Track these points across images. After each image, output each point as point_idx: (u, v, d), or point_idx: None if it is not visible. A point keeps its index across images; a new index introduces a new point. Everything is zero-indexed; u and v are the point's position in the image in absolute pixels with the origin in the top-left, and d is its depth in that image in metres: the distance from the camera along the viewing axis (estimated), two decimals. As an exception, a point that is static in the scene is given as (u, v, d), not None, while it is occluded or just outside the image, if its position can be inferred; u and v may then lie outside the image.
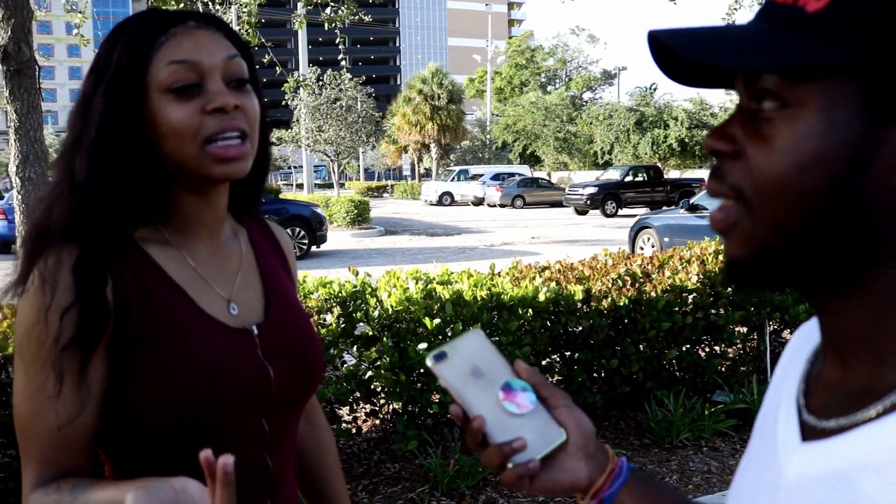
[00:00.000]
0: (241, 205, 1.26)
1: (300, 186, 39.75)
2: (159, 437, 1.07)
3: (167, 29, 1.08)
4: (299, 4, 6.24)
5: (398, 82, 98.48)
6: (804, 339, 0.76)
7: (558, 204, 33.65)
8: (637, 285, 4.69)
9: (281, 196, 16.56)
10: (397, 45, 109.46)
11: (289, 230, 15.15)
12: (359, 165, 64.46)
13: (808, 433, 0.62)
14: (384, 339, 4.00)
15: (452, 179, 39.25)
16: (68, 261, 1.03)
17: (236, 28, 6.04)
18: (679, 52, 0.57)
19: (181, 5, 5.38)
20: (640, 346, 4.58)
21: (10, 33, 3.42)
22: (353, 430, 4.31)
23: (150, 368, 1.05)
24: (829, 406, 0.62)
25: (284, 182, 59.67)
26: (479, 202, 36.75)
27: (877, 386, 0.57)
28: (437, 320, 3.98)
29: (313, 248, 16.32)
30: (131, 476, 1.02)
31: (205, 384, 1.07)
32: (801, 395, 0.67)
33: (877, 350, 0.59)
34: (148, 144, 1.07)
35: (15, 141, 3.64)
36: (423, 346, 3.94)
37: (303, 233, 15.96)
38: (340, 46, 6.43)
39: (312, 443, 1.42)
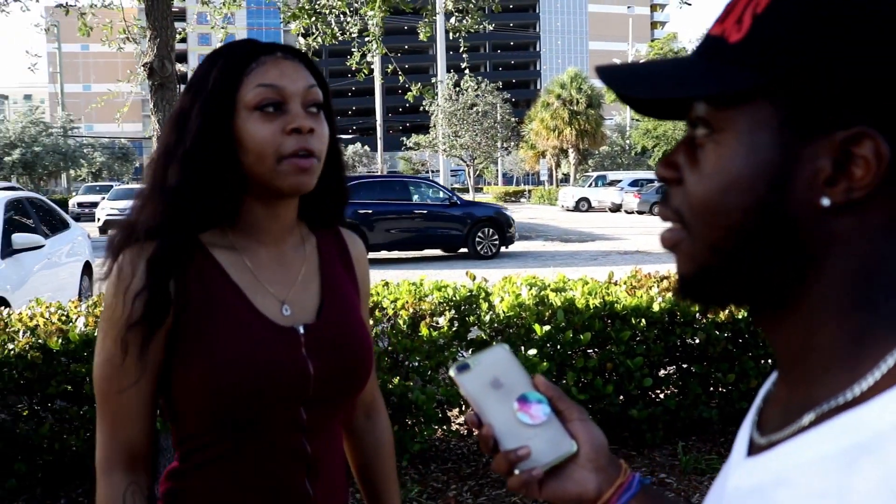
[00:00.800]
0: (320, 217, 1.39)
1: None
2: (206, 417, 1.22)
3: (258, 57, 1.25)
4: (426, 15, 6.40)
5: (538, 87, 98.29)
6: None
7: (698, 211, 32.58)
8: (759, 298, 4.54)
9: (467, 199, 17.41)
10: (538, 49, 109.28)
11: (480, 232, 16.09)
12: (497, 170, 64.80)
13: (753, 448, 0.65)
14: (496, 343, 4.07)
15: (590, 185, 38.77)
16: (145, 255, 1.20)
17: (366, 39, 6.27)
18: (609, 86, 0.63)
19: (312, 18, 5.65)
20: (760, 361, 4.44)
21: (155, 51, 3.73)
22: (464, 432, 4.41)
23: (199, 355, 1.20)
24: (769, 422, 0.65)
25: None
26: (616, 208, 36.12)
27: (811, 401, 0.60)
28: (547, 327, 4.02)
29: (502, 249, 16.59)
30: (189, 445, 1.24)
31: (247, 375, 1.20)
32: (756, 413, 0.70)
33: (808, 368, 0.61)
34: (232, 156, 1.22)
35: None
36: (532, 351, 3.98)
37: (494, 234, 16.22)
38: (465, 56, 6.56)
39: (369, 438, 1.51)
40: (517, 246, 18.09)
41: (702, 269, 0.64)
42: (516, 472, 0.82)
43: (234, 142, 1.21)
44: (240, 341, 1.21)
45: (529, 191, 53.75)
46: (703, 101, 0.61)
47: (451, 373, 0.87)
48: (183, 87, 1.36)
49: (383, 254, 15.91)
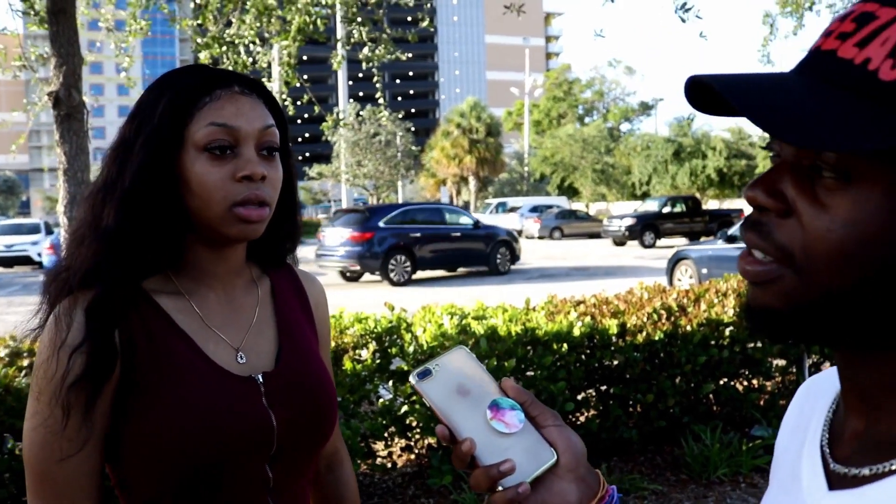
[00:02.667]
0: (271, 258, 1.31)
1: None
2: (164, 481, 1.09)
3: (212, 90, 1.13)
4: (338, 45, 6.39)
5: (437, 116, 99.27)
6: (816, 390, 0.77)
7: (596, 235, 33.53)
8: (672, 319, 4.68)
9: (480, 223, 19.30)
10: (436, 79, 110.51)
11: (499, 251, 18.66)
12: (398, 198, 64.95)
13: (836, 482, 0.63)
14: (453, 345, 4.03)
15: (490, 212, 39.33)
16: (82, 304, 1.08)
17: (277, 69, 6.21)
18: (744, 113, 0.54)
19: (223, 48, 5.55)
20: (676, 380, 4.56)
21: (61, 79, 3.58)
22: (389, 465, 4.34)
23: (152, 413, 1.08)
24: (857, 455, 0.62)
25: (325, 216, 60.24)
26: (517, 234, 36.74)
27: None
28: (471, 355, 4.01)
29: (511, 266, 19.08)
30: None
31: (205, 430, 1.09)
32: (825, 445, 0.67)
33: None
34: (176, 196, 1.12)
35: (64, 182, 3.79)
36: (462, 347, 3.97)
37: (508, 252, 18.82)
38: (378, 85, 6.57)
39: (332, 493, 1.42)
40: (422, 274, 18.19)
41: (801, 306, 0.59)
42: (499, 488, 0.75)
43: (179, 181, 1.11)
44: (194, 395, 1.10)
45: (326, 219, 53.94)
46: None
47: (412, 381, 0.81)
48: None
49: (419, 273, 17.76)
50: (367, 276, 17.82)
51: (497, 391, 0.81)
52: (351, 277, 17.82)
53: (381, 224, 16.88)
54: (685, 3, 4.67)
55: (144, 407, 1.09)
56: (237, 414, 1.12)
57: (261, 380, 1.17)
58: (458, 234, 18.22)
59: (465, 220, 18.71)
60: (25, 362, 3.35)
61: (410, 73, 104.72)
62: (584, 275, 18.54)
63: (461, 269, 18.87)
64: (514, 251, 19.08)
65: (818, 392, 0.76)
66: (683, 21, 4.73)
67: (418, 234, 17.22)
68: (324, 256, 17.21)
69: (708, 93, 0.60)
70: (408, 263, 17.01)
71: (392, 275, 16.70)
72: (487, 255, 18.53)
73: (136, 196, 1.10)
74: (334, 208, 53.81)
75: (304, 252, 19.90)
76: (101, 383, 1.07)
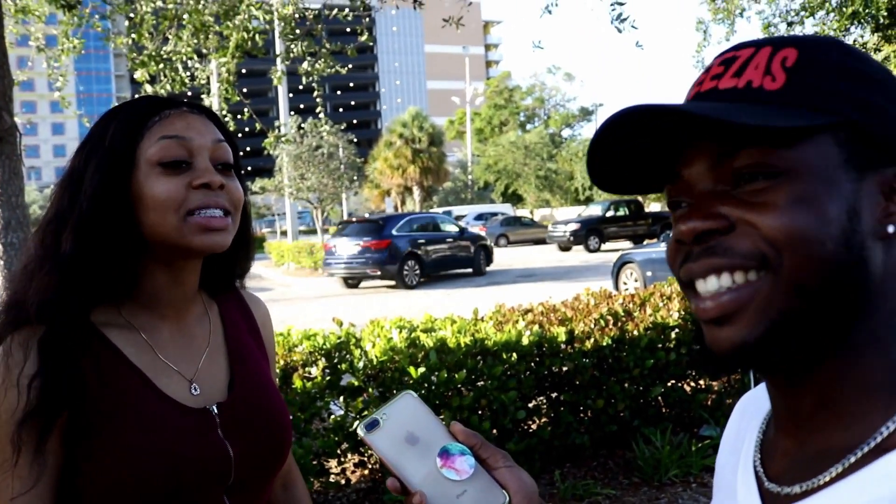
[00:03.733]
0: (219, 283, 1.29)
1: (284, 234, 39.78)
2: None
3: (161, 110, 1.14)
4: (278, 60, 6.34)
5: (379, 126, 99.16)
6: (749, 408, 0.79)
7: (542, 241, 33.84)
8: (619, 324, 4.74)
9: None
10: (377, 90, 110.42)
11: (480, 253, 20.81)
12: (342, 210, 64.63)
13: (769, 500, 0.65)
14: (370, 389, 4.02)
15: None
16: (34, 336, 1.05)
17: (216, 85, 6.13)
18: (695, 112, 0.59)
19: (160, 66, 5.46)
20: (625, 384, 4.61)
21: (-9, 102, 3.48)
22: (343, 482, 4.30)
23: (108, 452, 1.05)
24: (788, 473, 0.65)
25: (269, 230, 59.65)
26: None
27: (835, 448, 0.60)
28: (421, 369, 4.01)
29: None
30: None
31: (163, 466, 1.07)
32: (758, 464, 0.70)
33: (836, 412, 0.62)
34: (130, 218, 1.09)
35: (-3, 207, 3.68)
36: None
37: (485, 255, 21.04)
38: (318, 99, 6.53)
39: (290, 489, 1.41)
40: (375, 285, 18.12)
41: (777, 321, 0.60)
42: None
43: (133, 201, 1.09)
44: (150, 431, 1.08)
45: (332, 231, 53.85)
46: (757, 147, 0.60)
47: (360, 432, 0.81)
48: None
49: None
50: (365, 283, 19.42)
51: (446, 436, 0.81)
52: (352, 284, 19.17)
53: (394, 232, 18.27)
54: (620, 14, 4.76)
55: (98, 445, 1.06)
56: (193, 448, 1.11)
57: (216, 411, 1.15)
58: (451, 239, 20.11)
59: (453, 228, 20.73)
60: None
61: (351, 84, 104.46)
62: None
63: (451, 272, 20.60)
64: (489, 254, 21.44)
65: (753, 409, 0.78)
66: (620, 31, 4.82)
67: (423, 241, 18.88)
68: (335, 265, 18.59)
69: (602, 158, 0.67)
70: (417, 268, 18.56)
71: (406, 279, 18.14)
72: (472, 258, 20.55)
73: (91, 222, 1.08)
74: (278, 222, 53.26)
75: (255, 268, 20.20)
76: (52, 419, 1.04)
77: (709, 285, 0.62)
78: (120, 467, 1.05)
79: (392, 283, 18.32)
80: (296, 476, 1.44)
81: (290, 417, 1.31)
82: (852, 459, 0.58)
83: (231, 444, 1.14)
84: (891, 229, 0.60)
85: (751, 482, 0.69)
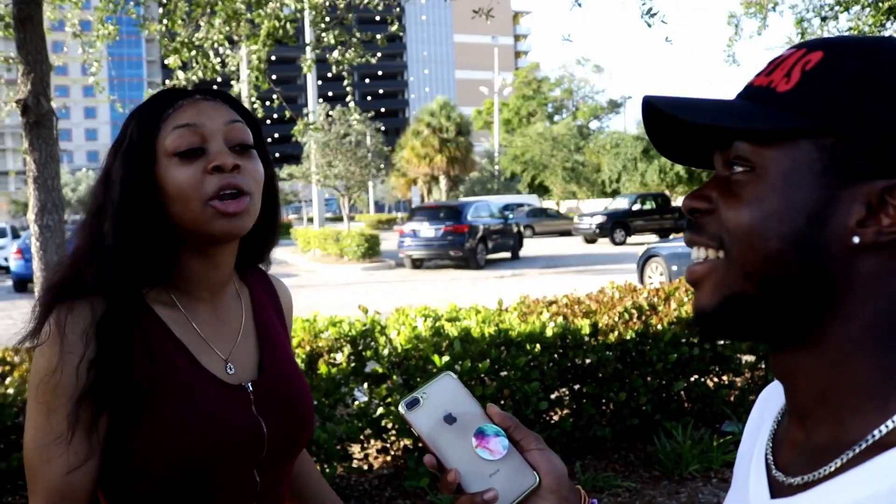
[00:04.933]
0: (247, 262, 1.33)
1: (311, 220, 39.99)
2: (156, 485, 1.12)
3: (174, 102, 1.18)
4: (307, 48, 6.38)
5: (407, 115, 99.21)
6: (772, 398, 0.82)
7: (567, 233, 33.73)
8: (643, 318, 4.74)
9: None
10: (405, 78, 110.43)
11: (519, 240, 23.47)
12: (369, 198, 64.84)
13: (776, 490, 0.68)
14: (394, 376, 4.06)
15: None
16: (91, 316, 1.10)
17: (245, 72, 6.18)
18: (662, 109, 0.67)
19: (192, 53, 5.52)
20: (648, 378, 4.62)
21: (29, 87, 3.54)
22: (365, 468, 4.36)
23: (151, 420, 1.11)
24: (794, 463, 0.68)
25: (296, 216, 60.02)
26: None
27: (836, 443, 0.63)
28: (445, 357, 4.05)
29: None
30: None
31: (202, 437, 1.12)
32: (769, 453, 0.73)
33: (835, 408, 0.65)
34: (159, 208, 1.14)
35: (34, 190, 3.76)
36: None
37: (520, 241, 23.58)
38: (348, 88, 6.56)
39: (300, 484, 1.45)
40: (394, 275, 18.21)
41: (730, 297, 0.67)
42: None
43: (159, 193, 1.14)
44: (192, 405, 1.13)
45: (402, 218, 53.94)
46: (745, 141, 0.66)
47: (401, 409, 0.84)
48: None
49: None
50: (428, 263, 21.24)
51: (482, 417, 0.84)
52: (416, 266, 20.91)
53: (469, 218, 20.27)
54: (650, 9, 4.74)
55: (143, 415, 1.11)
56: (231, 422, 1.16)
57: (250, 388, 1.21)
58: (500, 225, 22.29)
59: (499, 215, 22.90)
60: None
61: (380, 73, 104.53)
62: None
63: (491, 256, 21.99)
64: (522, 240, 24.15)
65: (774, 399, 0.81)
66: (649, 26, 4.80)
67: (487, 226, 21.08)
68: (414, 247, 20.33)
69: (658, 114, 0.72)
70: (484, 250, 20.74)
71: (478, 260, 20.29)
72: (512, 244, 22.96)
73: (125, 214, 1.13)
74: (304, 209, 53.46)
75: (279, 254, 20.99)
76: (109, 396, 1.09)
77: (692, 255, 0.71)
78: (162, 436, 1.10)
79: (455, 264, 20.53)
80: (305, 454, 1.49)
81: (315, 402, 1.36)
82: (850, 455, 0.61)
83: (264, 421, 1.20)
84: (856, 240, 0.62)
85: (761, 470, 0.72)
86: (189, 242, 1.17)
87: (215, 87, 1.30)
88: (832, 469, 0.62)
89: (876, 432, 0.60)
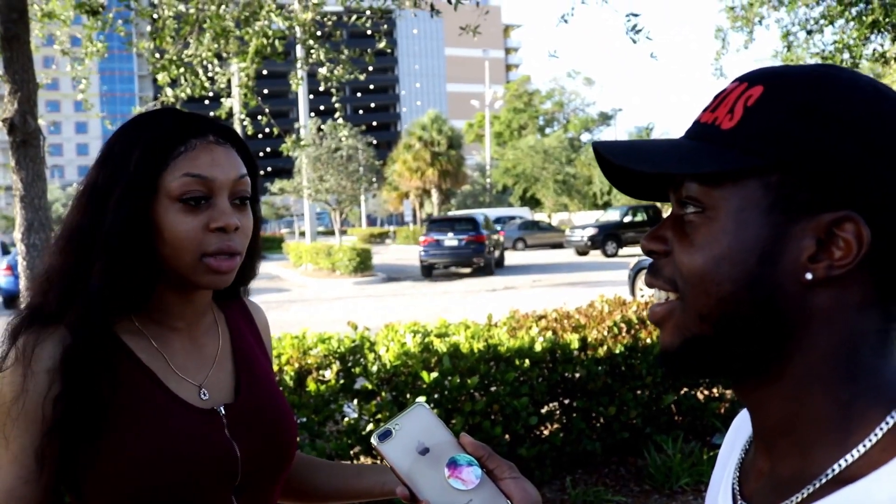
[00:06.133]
0: (225, 292, 1.33)
1: (303, 234, 39.96)
2: None
3: (187, 139, 1.14)
4: (297, 65, 6.39)
5: (398, 129, 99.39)
6: (742, 427, 0.82)
7: (559, 245, 33.79)
8: (633, 332, 4.75)
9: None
10: (396, 92, 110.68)
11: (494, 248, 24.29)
12: (360, 212, 64.79)
13: None
14: (383, 392, 4.05)
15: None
16: (58, 348, 1.08)
17: (236, 89, 6.19)
18: (611, 160, 0.67)
19: (181, 70, 5.53)
20: (638, 392, 4.63)
21: (16, 106, 3.54)
22: (355, 484, 4.34)
23: (117, 449, 1.09)
24: (759, 494, 0.69)
25: (287, 230, 59.97)
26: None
27: (799, 475, 0.64)
28: (434, 373, 4.04)
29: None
30: None
31: (171, 463, 1.10)
32: (736, 482, 0.74)
33: (797, 440, 0.65)
34: (149, 244, 1.12)
35: (21, 209, 3.75)
36: (421, 399, 3.99)
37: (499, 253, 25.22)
38: (338, 105, 6.58)
39: (298, 477, 1.41)
40: (385, 289, 18.18)
41: (689, 339, 0.68)
42: None
43: (153, 229, 1.12)
44: (159, 429, 1.11)
45: (395, 231, 53.97)
46: (695, 181, 0.66)
47: (374, 442, 0.84)
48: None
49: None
50: (438, 271, 23.42)
51: (455, 447, 0.85)
52: (427, 273, 22.91)
53: (482, 230, 22.71)
54: (636, 25, 4.77)
55: (108, 443, 1.09)
56: (202, 446, 1.14)
57: (222, 412, 1.19)
58: (496, 236, 25.06)
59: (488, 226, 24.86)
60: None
61: (371, 87, 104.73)
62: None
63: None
64: (504, 252, 26.84)
65: (744, 427, 0.82)
66: (634, 42, 4.83)
67: (492, 237, 23.85)
68: (439, 255, 22.47)
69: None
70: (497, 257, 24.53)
71: (491, 267, 23.02)
72: (499, 255, 25.30)
73: (113, 243, 1.10)
74: (296, 223, 53.46)
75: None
76: (78, 431, 1.07)
77: (654, 295, 0.74)
78: (129, 464, 1.08)
79: (468, 269, 23.20)
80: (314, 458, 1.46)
81: (304, 420, 1.35)
82: (811, 489, 0.62)
83: (238, 445, 1.18)
84: (809, 276, 0.62)
85: (727, 499, 0.73)
86: (169, 281, 1.17)
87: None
88: (795, 502, 0.63)
89: (836, 466, 0.61)
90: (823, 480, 0.61)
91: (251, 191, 1.21)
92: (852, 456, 0.61)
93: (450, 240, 22.33)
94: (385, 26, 5.93)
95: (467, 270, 23.38)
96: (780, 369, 0.65)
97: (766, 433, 0.68)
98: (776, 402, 0.66)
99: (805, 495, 0.62)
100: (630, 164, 0.66)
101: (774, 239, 0.62)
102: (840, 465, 0.61)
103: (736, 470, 0.75)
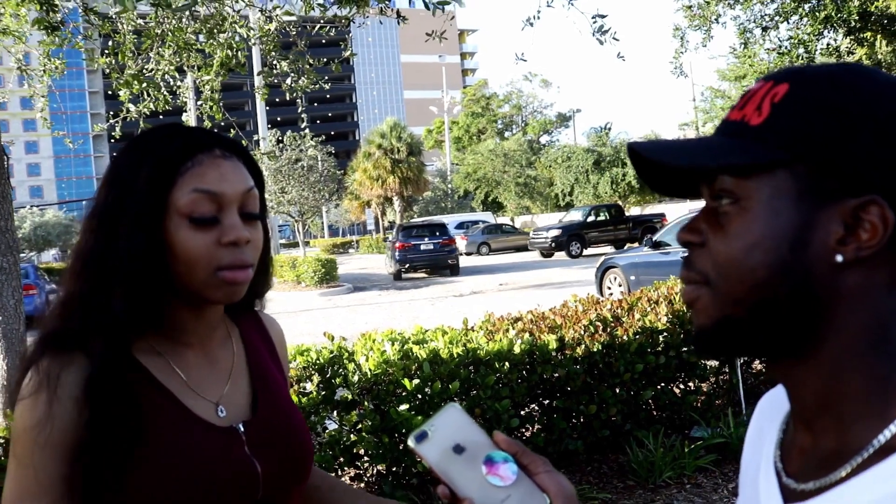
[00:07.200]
0: (238, 306, 1.32)
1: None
2: None
3: (194, 154, 1.13)
4: (257, 77, 6.34)
5: (357, 138, 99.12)
6: (774, 405, 0.84)
7: (524, 248, 33.95)
8: (608, 330, 4.78)
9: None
10: (354, 101, 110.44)
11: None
12: (322, 223, 64.43)
13: (789, 496, 0.71)
14: (365, 402, 4.03)
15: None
16: (81, 375, 1.07)
17: (192, 101, 6.13)
18: (647, 156, 0.71)
19: (143, 84, 5.45)
20: (617, 389, 4.66)
21: (-22, 127, 3.47)
22: (340, 496, 4.31)
23: (138, 472, 1.08)
24: (805, 470, 0.71)
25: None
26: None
27: (843, 449, 0.67)
28: (415, 380, 4.03)
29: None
30: None
31: (193, 484, 1.10)
32: (778, 461, 0.76)
33: (837, 416, 0.68)
34: (161, 262, 1.11)
35: (-14, 232, 3.67)
36: (403, 407, 3.98)
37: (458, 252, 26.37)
38: (303, 115, 6.54)
39: (318, 483, 1.41)
40: (353, 298, 18.10)
41: (722, 320, 0.71)
42: None
43: (165, 246, 1.10)
44: (180, 450, 1.11)
45: (357, 241, 53.77)
46: (728, 174, 0.70)
47: (411, 443, 0.85)
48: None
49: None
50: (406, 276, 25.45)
51: (490, 445, 0.86)
52: (398, 277, 24.97)
53: (450, 233, 25.78)
54: (602, 26, 4.81)
55: (129, 466, 1.08)
56: (223, 465, 1.14)
57: (242, 429, 1.19)
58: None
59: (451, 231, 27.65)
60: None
61: (328, 96, 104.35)
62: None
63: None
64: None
65: (772, 409, 0.84)
66: (601, 43, 4.87)
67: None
68: (417, 259, 24.47)
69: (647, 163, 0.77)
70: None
71: (458, 268, 25.45)
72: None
73: (125, 264, 1.09)
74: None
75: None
76: (106, 456, 1.06)
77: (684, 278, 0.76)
78: (151, 487, 1.07)
79: (441, 273, 25.26)
80: (324, 474, 1.45)
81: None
82: (859, 460, 0.65)
83: (258, 461, 1.17)
84: (839, 258, 0.65)
85: (771, 478, 0.75)
86: (180, 296, 1.15)
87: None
88: (843, 475, 0.65)
89: (881, 437, 0.64)
90: (869, 452, 0.64)
91: (259, 203, 1.20)
92: (890, 429, 0.64)
93: (426, 244, 24.59)
94: (349, 35, 5.91)
95: (433, 277, 23.49)
96: (816, 349, 0.68)
97: (806, 411, 0.71)
98: (814, 380, 0.69)
99: (853, 466, 0.65)
100: (668, 160, 0.69)
101: (805, 225, 0.66)
102: (885, 436, 0.64)
103: (776, 448, 0.78)
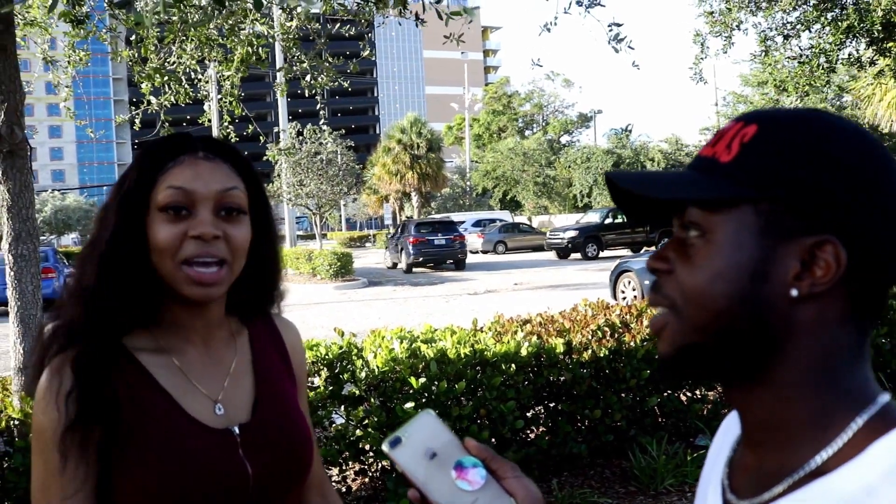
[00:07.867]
0: (250, 307, 1.36)
1: (282, 238, 39.84)
2: None
3: (178, 155, 1.22)
4: (279, 74, 6.40)
5: (377, 132, 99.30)
6: (731, 428, 0.89)
7: (540, 248, 33.90)
8: (616, 335, 4.81)
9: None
10: (375, 95, 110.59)
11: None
12: (340, 216, 64.62)
13: None
14: (371, 398, 4.09)
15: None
16: (69, 358, 1.16)
17: (214, 94, 6.19)
18: (619, 184, 0.76)
19: (164, 78, 5.53)
20: (622, 394, 4.69)
21: (3, 117, 3.54)
22: (344, 489, 4.37)
23: (134, 467, 1.15)
24: (746, 487, 0.77)
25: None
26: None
27: (781, 469, 0.72)
28: (422, 379, 4.08)
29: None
30: None
31: (182, 483, 1.15)
32: (725, 477, 0.82)
33: (782, 438, 0.73)
34: (144, 257, 1.19)
35: (8, 219, 3.75)
36: (410, 404, 4.03)
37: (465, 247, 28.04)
38: (322, 112, 6.60)
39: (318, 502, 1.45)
40: (368, 293, 18.16)
41: (685, 347, 0.75)
42: None
43: (147, 242, 1.19)
44: (172, 449, 1.17)
45: (374, 235, 53.87)
46: (696, 207, 0.75)
47: (385, 448, 0.89)
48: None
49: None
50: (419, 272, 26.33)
51: (461, 451, 0.90)
52: (409, 270, 26.58)
53: (460, 230, 28.32)
54: (618, 34, 4.83)
55: (126, 461, 1.15)
56: (213, 466, 1.18)
57: (237, 431, 1.23)
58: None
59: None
60: None
61: (349, 89, 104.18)
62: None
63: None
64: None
65: (730, 428, 0.90)
66: (617, 51, 4.90)
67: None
68: (431, 253, 26.30)
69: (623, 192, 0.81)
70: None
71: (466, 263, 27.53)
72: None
73: (109, 257, 1.18)
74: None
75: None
76: (91, 427, 1.14)
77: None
78: (144, 482, 1.14)
79: (450, 266, 26.91)
80: (327, 485, 1.49)
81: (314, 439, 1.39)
82: (794, 479, 0.70)
83: (250, 464, 1.21)
84: (794, 293, 0.70)
85: (717, 493, 0.81)
86: (169, 293, 1.22)
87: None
88: (777, 492, 0.71)
89: (817, 458, 0.69)
90: (802, 473, 0.70)
91: (253, 203, 1.26)
92: (827, 452, 0.69)
93: (439, 239, 26.41)
94: (368, 32, 5.95)
95: (448, 273, 23.52)
96: (768, 375, 0.73)
97: (754, 432, 0.76)
98: (763, 404, 0.74)
99: (786, 486, 0.70)
100: (647, 192, 0.74)
101: (765, 259, 0.71)
102: (820, 459, 0.69)
103: (726, 466, 0.83)
